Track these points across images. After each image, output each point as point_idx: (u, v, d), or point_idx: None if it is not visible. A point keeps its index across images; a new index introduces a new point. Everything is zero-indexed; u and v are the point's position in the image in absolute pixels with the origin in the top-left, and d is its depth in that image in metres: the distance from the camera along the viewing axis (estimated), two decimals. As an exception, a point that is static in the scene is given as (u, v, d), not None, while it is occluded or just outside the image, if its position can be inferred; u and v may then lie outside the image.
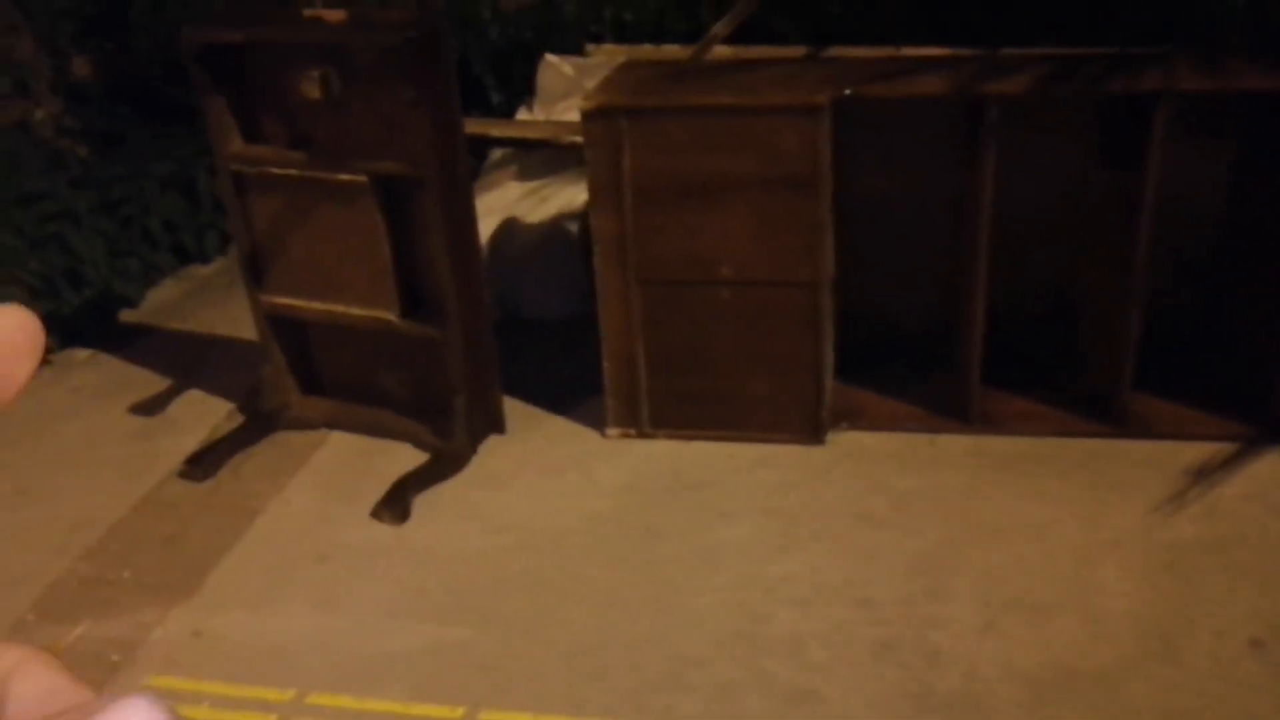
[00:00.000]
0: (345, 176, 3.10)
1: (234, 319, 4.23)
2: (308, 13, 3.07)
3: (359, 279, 3.25)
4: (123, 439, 3.59)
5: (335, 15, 3.03)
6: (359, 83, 2.98)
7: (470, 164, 4.43)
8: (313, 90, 2.65)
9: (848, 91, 2.87)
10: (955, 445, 3.19)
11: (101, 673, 2.56)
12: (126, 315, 4.47)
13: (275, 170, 3.20)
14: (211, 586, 2.84)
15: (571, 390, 3.55)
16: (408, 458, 3.32)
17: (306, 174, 3.16)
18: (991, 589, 2.64)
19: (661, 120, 2.96)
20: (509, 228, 4.07)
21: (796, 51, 4.33)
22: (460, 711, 2.38)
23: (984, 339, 3.14)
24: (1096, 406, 3.18)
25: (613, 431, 3.34)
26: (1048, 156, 3.17)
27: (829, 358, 3.19)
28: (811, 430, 3.23)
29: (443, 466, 3.21)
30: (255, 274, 3.41)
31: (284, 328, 3.49)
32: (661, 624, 2.60)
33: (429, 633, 2.63)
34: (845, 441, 3.25)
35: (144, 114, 5.12)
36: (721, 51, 4.23)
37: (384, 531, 3.02)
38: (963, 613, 2.57)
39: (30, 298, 4.04)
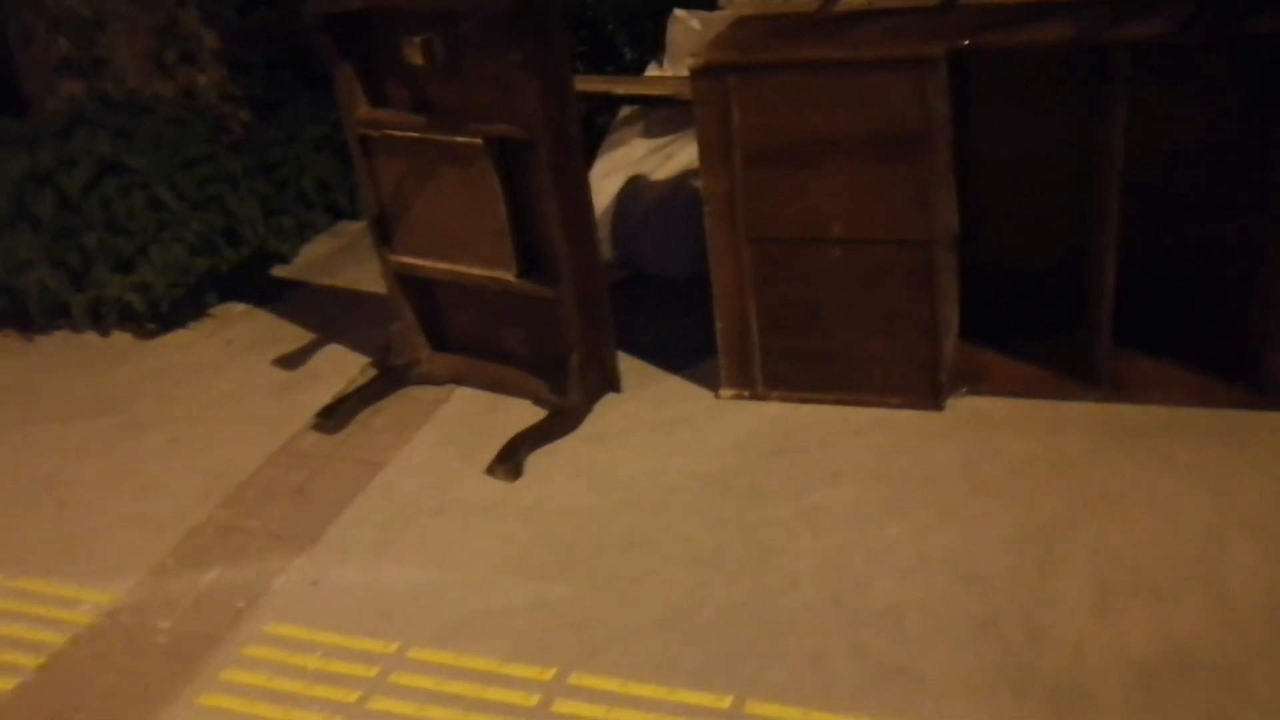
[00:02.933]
0: (462, 139, 3.16)
1: (377, 275, 4.37)
2: (426, -23, 3.12)
3: (479, 239, 3.31)
4: (267, 391, 3.78)
5: (450, -20, 3.06)
6: (470, 46, 3.02)
7: (598, 123, 4.46)
8: (415, 56, 2.71)
9: (965, 42, 2.74)
10: (1081, 411, 3.05)
11: (228, 618, 2.73)
12: (280, 270, 4.69)
13: (397, 133, 3.29)
14: (332, 537, 2.98)
15: (689, 349, 3.55)
16: (527, 414, 3.39)
17: (426, 136, 3.24)
18: (1108, 566, 2.51)
19: (769, 77, 2.89)
20: (634, 185, 4.08)
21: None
22: (551, 673, 2.43)
23: (1116, 298, 2.98)
24: (1240, 373, 2.98)
25: (726, 392, 3.33)
26: (1186, 103, 2.96)
27: (948, 318, 3.09)
28: (929, 393, 3.14)
29: (557, 424, 3.27)
30: (383, 234, 3.52)
31: (412, 286, 3.60)
32: (758, 587, 2.60)
33: (531, 590, 2.69)
34: (964, 406, 3.14)
35: (302, 79, 5.32)
36: (853, 2, 4.09)
37: (497, 487, 3.10)
38: (1074, 591, 2.46)
39: (190, 255, 4.29)
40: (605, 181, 4.10)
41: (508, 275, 3.30)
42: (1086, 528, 2.64)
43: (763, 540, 2.74)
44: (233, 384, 3.87)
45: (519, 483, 3.11)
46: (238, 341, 4.18)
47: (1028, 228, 3.33)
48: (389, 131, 3.29)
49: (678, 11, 4.25)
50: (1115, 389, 3.06)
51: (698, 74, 2.94)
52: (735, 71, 2.90)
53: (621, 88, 3.97)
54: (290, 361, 3.94)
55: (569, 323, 3.27)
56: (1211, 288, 3.16)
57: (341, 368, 3.85)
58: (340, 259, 4.80)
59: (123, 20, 4.69)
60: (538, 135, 3.03)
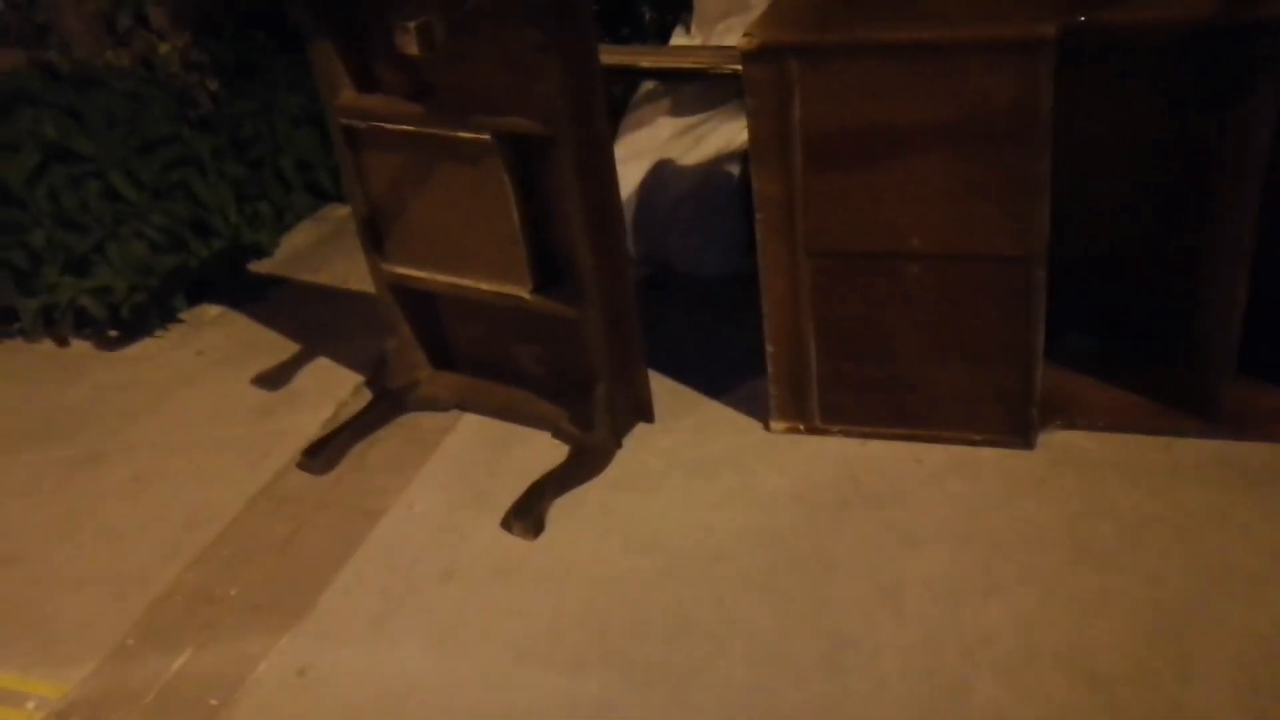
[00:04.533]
0: (467, 134, 2.66)
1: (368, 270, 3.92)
2: (420, -60, 2.60)
3: (487, 249, 2.83)
4: (245, 416, 3.31)
5: (451, -57, 2.55)
6: (479, 23, 2.52)
7: (614, 92, 3.93)
8: (409, 45, 2.20)
9: (1081, 20, 2.25)
10: (1198, 453, 2.60)
11: (200, 718, 2.29)
12: (258, 265, 4.20)
13: (389, 126, 2.79)
14: (322, 610, 2.53)
15: (730, 367, 3.10)
16: (544, 448, 2.94)
17: (424, 130, 2.73)
18: (1259, 664, 2.08)
19: (841, 61, 2.40)
20: (660, 171, 3.58)
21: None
22: (593, 806, 2.00)
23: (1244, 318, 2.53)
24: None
25: (777, 425, 2.87)
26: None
27: (1040, 345, 2.62)
28: (1017, 430, 2.69)
29: (582, 467, 2.81)
30: (374, 240, 3.03)
31: (410, 297, 3.12)
32: (835, 690, 2.16)
33: (561, 686, 2.25)
34: (1057, 444, 2.69)
35: (278, 41, 4.78)
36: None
37: (514, 546, 2.65)
38: (1223, 701, 2.02)
39: (153, 252, 3.79)
40: (626, 167, 3.59)
41: (521, 291, 2.82)
42: (1225, 612, 2.20)
43: (835, 626, 2.30)
44: (206, 406, 3.39)
45: (540, 540, 2.66)
46: (211, 352, 3.69)
47: (1100, 234, 2.87)
48: (378, 124, 2.79)
49: (707, -30, 3.74)
50: (1237, 426, 2.62)
51: (752, 57, 2.45)
52: (799, 54, 2.40)
53: (647, 60, 3.46)
54: (271, 379, 3.46)
55: (594, 346, 2.81)
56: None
57: (330, 386, 3.38)
58: (325, 249, 4.31)
59: (69, -20, 4.14)
60: (559, 129, 2.53)
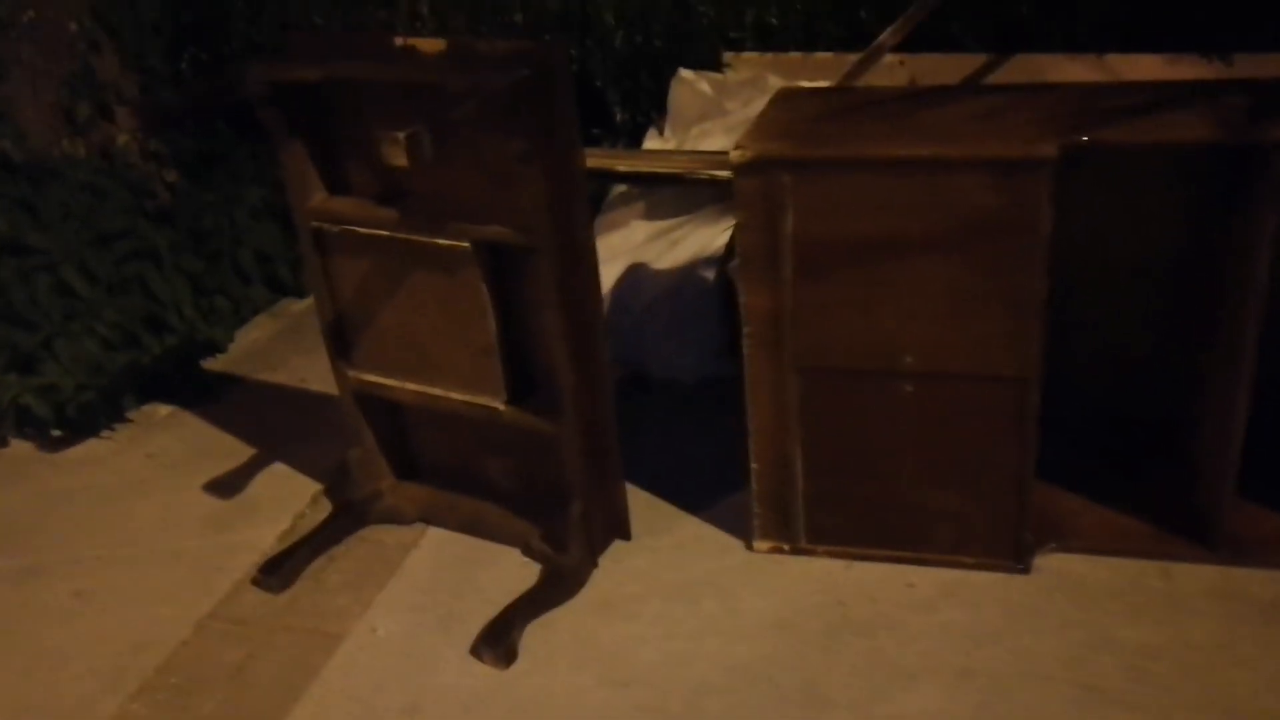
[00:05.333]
0: (443, 241, 2.56)
1: (327, 368, 3.76)
2: (399, 42, 2.53)
3: (459, 358, 2.71)
4: (197, 527, 3.13)
5: (431, 46, 2.48)
6: (459, 131, 2.44)
7: (589, 197, 3.86)
8: (397, 156, 2.10)
9: (1083, 139, 2.21)
10: (1197, 580, 2.52)
11: None
12: (213, 363, 4.03)
13: (361, 230, 2.68)
14: (278, 749, 2.35)
15: (709, 480, 2.98)
16: (514, 567, 2.79)
17: (398, 235, 2.63)
18: (1278, 817, 1.98)
19: (835, 176, 2.33)
20: (634, 275, 3.49)
21: (977, 60, 3.66)
22: None
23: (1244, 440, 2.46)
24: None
25: (761, 545, 2.75)
26: None
27: (1033, 468, 2.53)
28: (1011, 554, 2.59)
29: (556, 590, 2.67)
30: (341, 346, 2.90)
31: (375, 405, 2.98)
32: (833, 844, 2.02)
33: (536, 837, 2.09)
34: (1053, 569, 2.60)
35: (241, 131, 4.67)
36: (888, 62, 3.59)
37: (484, 676, 2.49)
38: None
39: (104, 349, 3.63)
40: (600, 269, 3.50)
41: (494, 403, 2.70)
42: (1241, 756, 2.10)
43: (830, 766, 2.17)
44: (155, 515, 3.21)
45: (511, 669, 2.50)
46: (161, 455, 3.52)
47: (1096, 347, 2.83)
48: (350, 227, 2.68)
49: (684, 72, 3.70)
50: (1236, 551, 2.54)
51: (743, 170, 2.37)
52: (792, 169, 2.33)
53: (624, 164, 3.39)
54: (225, 486, 3.29)
55: (570, 462, 2.68)
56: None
57: (287, 495, 3.22)
58: (283, 346, 4.16)
59: (25, 68, 3.99)
60: (540, 240, 2.44)
